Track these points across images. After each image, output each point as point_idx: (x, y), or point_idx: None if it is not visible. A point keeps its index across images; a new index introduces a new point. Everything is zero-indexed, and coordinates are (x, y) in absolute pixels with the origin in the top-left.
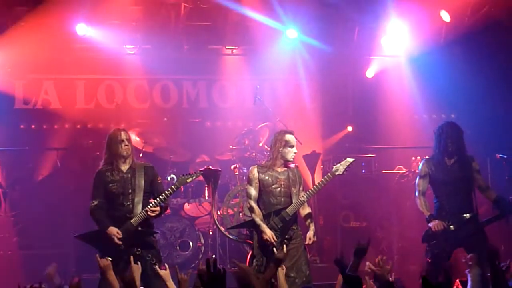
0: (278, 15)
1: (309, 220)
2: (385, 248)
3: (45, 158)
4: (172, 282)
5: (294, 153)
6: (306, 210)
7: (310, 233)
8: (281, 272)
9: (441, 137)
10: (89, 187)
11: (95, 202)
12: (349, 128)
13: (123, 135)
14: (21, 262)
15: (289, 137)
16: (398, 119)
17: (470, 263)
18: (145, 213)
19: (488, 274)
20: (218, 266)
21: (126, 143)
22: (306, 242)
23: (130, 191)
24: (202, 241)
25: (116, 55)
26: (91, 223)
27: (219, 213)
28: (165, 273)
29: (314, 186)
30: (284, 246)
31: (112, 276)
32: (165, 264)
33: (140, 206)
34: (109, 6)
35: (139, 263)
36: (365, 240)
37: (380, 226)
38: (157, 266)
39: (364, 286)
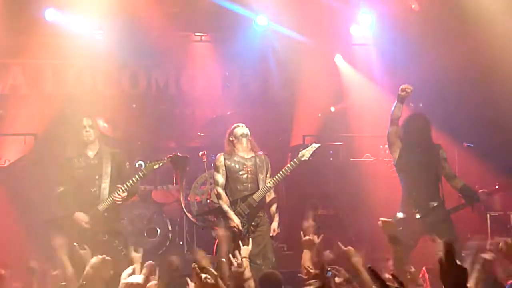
0: (248, 2)
1: (273, 207)
2: (353, 236)
3: (13, 144)
4: (139, 267)
5: (242, 126)
6: (271, 195)
7: (274, 225)
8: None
9: (409, 126)
10: (57, 173)
11: (61, 188)
12: (332, 109)
13: (85, 121)
14: None
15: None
16: (367, 107)
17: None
18: (112, 199)
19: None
20: None
21: (88, 129)
22: (271, 234)
23: (96, 177)
24: (170, 228)
25: (85, 41)
26: (58, 209)
27: (187, 200)
28: (136, 257)
29: (281, 172)
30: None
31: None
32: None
33: (106, 192)
34: None
35: (87, 248)
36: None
37: (348, 215)
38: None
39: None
